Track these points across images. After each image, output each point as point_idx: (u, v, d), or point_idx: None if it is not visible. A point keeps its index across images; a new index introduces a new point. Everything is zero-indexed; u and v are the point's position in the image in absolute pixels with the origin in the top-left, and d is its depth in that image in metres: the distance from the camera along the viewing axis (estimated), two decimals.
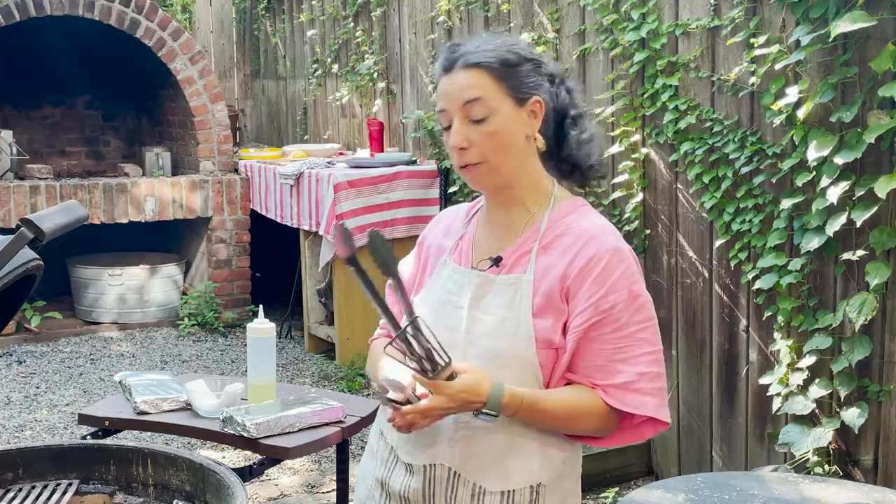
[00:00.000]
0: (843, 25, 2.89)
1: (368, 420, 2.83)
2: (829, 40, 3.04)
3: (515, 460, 1.80)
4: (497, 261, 1.83)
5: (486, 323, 1.80)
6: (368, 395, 4.37)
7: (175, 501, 2.09)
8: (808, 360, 3.23)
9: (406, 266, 2.01)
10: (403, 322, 1.69)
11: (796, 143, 3.23)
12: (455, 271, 1.88)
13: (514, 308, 1.78)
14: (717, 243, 3.62)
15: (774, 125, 3.32)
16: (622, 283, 1.75)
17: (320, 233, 5.40)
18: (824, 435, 3.18)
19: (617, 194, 4.11)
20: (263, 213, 6.28)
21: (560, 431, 1.82)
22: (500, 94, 1.78)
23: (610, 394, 1.76)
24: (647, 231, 4.02)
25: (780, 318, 3.37)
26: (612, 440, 1.84)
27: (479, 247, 1.89)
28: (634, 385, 1.75)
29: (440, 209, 5.04)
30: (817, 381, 3.23)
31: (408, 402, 1.73)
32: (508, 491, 1.80)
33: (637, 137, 4.01)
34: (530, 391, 1.75)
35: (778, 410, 3.36)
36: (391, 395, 1.74)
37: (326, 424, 2.90)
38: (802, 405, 3.24)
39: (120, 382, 3.20)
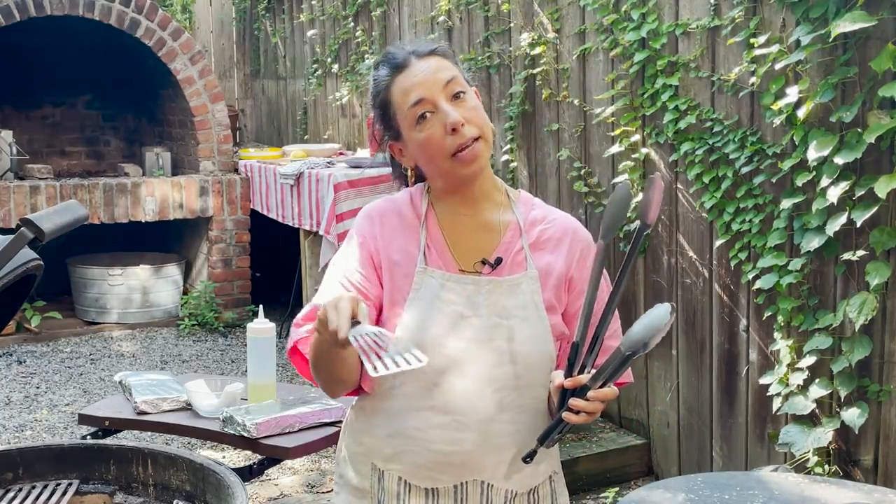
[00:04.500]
0: (843, 25, 2.89)
1: None
2: (829, 40, 3.04)
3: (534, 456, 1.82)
4: (498, 262, 1.79)
5: (507, 327, 1.76)
6: None
7: (175, 501, 2.09)
8: (808, 360, 3.23)
9: (348, 271, 1.79)
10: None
11: (796, 143, 3.23)
12: (448, 279, 1.77)
13: (529, 308, 1.78)
14: (717, 243, 3.62)
15: (774, 125, 3.32)
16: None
17: (320, 233, 5.39)
18: (824, 435, 3.18)
19: None
20: (264, 212, 6.28)
21: None
22: (460, 75, 1.78)
23: None
24: (647, 231, 4.01)
25: (780, 318, 3.37)
26: None
27: (458, 249, 1.80)
28: None
29: None
30: (817, 381, 3.23)
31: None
32: (534, 488, 1.85)
33: (637, 137, 4.00)
34: None
35: (778, 410, 3.36)
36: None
37: (326, 424, 2.90)
38: (802, 405, 3.24)
39: (120, 382, 3.20)
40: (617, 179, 4.05)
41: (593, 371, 1.65)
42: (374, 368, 1.51)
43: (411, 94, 1.73)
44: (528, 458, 1.74)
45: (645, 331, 1.54)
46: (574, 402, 1.63)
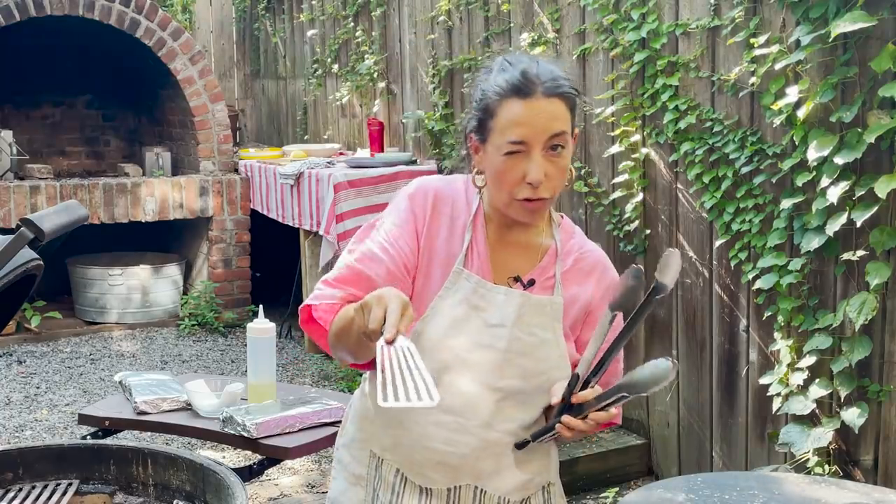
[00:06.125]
0: (843, 25, 2.89)
1: None
2: (829, 40, 3.04)
3: (530, 466, 1.85)
4: (530, 284, 1.82)
5: (527, 343, 1.79)
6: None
7: (175, 501, 2.09)
8: (808, 360, 3.23)
9: (395, 238, 1.80)
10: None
11: (796, 143, 3.23)
12: (481, 286, 1.79)
13: (550, 330, 1.81)
14: (717, 243, 3.62)
15: (774, 125, 3.32)
16: None
17: (320, 233, 5.39)
18: (824, 435, 3.18)
19: (617, 194, 4.10)
20: (265, 212, 6.28)
21: None
22: (570, 126, 1.74)
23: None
24: (648, 231, 4.02)
25: (780, 318, 3.37)
26: None
27: (495, 262, 1.83)
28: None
29: None
30: (817, 381, 3.23)
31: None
32: (526, 498, 1.87)
33: (637, 137, 4.00)
34: None
35: (778, 410, 3.36)
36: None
37: (326, 424, 2.90)
38: (802, 405, 3.24)
39: (120, 382, 3.20)
40: (617, 179, 4.05)
41: (597, 388, 1.70)
42: (384, 398, 1.49)
43: (515, 130, 1.69)
44: (521, 446, 1.79)
45: (648, 380, 1.61)
46: (568, 419, 1.69)
